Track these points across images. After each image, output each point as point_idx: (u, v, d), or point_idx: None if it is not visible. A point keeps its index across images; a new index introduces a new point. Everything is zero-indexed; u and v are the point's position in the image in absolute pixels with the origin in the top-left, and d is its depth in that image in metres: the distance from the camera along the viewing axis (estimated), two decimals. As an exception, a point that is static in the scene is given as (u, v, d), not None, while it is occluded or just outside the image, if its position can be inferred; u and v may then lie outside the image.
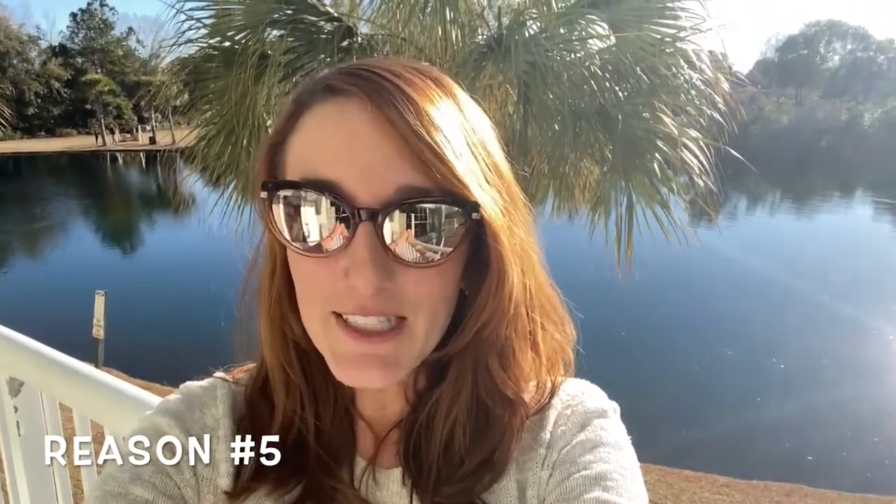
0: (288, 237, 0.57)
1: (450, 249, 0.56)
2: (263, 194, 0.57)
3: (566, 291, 0.70)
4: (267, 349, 0.68)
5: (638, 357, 9.80)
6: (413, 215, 0.54)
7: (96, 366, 7.38)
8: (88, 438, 1.51)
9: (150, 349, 9.71)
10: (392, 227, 0.54)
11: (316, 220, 0.55)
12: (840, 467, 7.09)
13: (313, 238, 0.56)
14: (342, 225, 0.54)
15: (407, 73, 0.57)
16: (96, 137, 57.72)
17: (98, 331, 8.08)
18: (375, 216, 0.53)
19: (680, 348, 10.28)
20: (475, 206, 0.55)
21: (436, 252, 0.56)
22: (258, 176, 0.62)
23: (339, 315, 0.58)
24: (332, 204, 0.54)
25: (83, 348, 7.08)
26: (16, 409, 1.65)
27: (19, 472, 1.70)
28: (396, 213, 0.53)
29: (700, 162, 4.08)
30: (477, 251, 0.60)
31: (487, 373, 0.64)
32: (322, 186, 0.54)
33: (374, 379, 0.58)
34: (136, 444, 0.67)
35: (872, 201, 27.88)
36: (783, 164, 35.73)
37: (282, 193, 0.56)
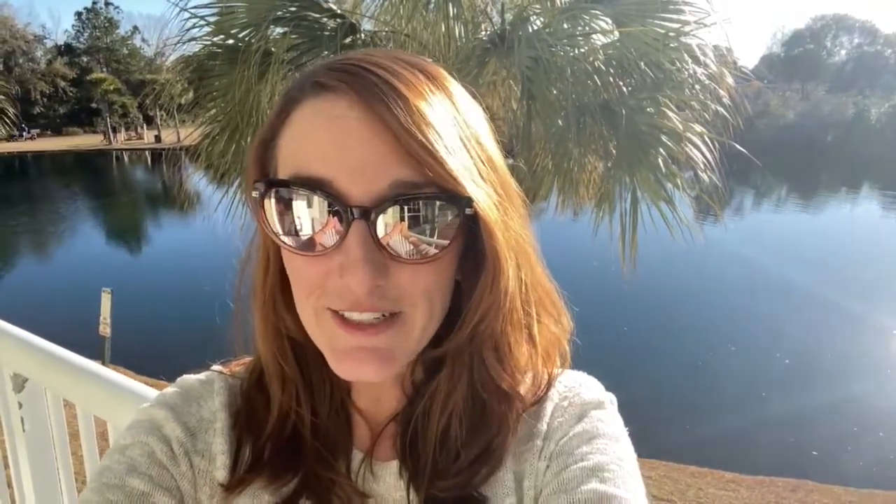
0: (281, 235, 0.57)
1: (444, 244, 0.56)
2: (255, 193, 0.57)
3: (569, 287, 0.70)
4: (261, 343, 0.68)
5: (642, 353, 9.79)
6: (406, 212, 0.53)
7: (103, 363, 7.42)
8: (92, 434, 1.52)
9: (157, 346, 9.75)
10: (385, 224, 0.54)
11: (309, 218, 0.55)
12: (845, 462, 7.07)
13: (306, 237, 0.56)
14: (335, 223, 0.54)
15: (397, 66, 0.56)
16: (104, 136, 57.81)
17: (104, 328, 8.11)
18: (368, 214, 0.53)
19: (685, 344, 10.26)
20: (469, 202, 0.54)
21: (430, 247, 0.55)
22: (250, 174, 0.62)
23: (333, 310, 0.58)
24: (324, 202, 0.54)
25: (90, 346, 7.11)
26: (20, 405, 1.65)
27: (24, 468, 1.71)
28: (390, 210, 0.53)
29: (705, 157, 4.06)
30: (472, 242, 0.59)
31: (483, 366, 0.64)
32: (314, 184, 0.54)
33: (369, 373, 0.58)
34: (133, 436, 0.67)
35: (880, 195, 27.74)
36: (789, 159, 35.61)
37: (274, 192, 0.56)
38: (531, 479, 0.64)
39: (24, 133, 56.55)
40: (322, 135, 0.55)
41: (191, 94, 5.17)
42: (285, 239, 0.57)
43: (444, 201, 0.54)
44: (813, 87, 58.63)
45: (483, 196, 0.56)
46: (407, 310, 0.57)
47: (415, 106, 0.53)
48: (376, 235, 0.54)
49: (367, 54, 0.58)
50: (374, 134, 0.53)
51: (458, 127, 0.57)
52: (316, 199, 0.54)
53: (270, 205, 0.57)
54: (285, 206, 0.56)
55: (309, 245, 0.56)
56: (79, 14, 72.59)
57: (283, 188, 0.56)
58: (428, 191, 0.54)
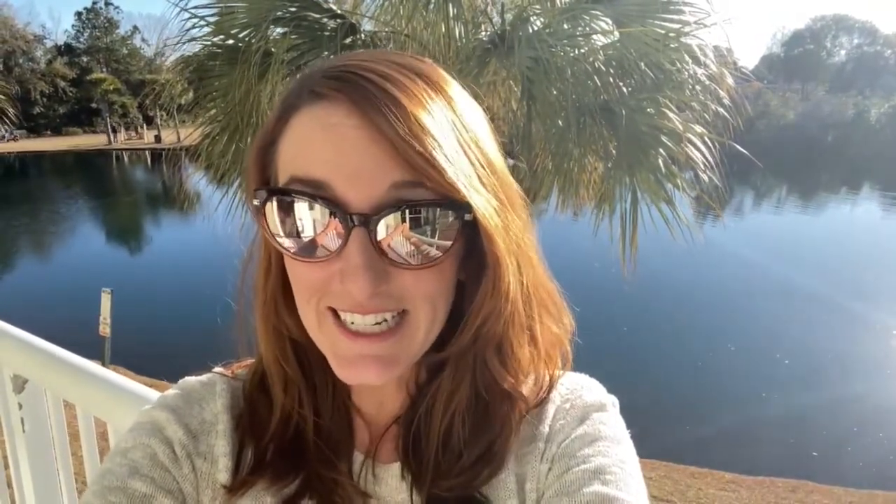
0: (282, 242, 0.57)
1: (445, 246, 0.56)
2: (256, 201, 0.58)
3: (570, 288, 0.70)
4: (263, 344, 0.68)
5: (642, 353, 9.79)
6: (406, 219, 0.54)
7: (103, 363, 7.42)
8: (92, 435, 1.52)
9: (157, 347, 9.75)
10: (385, 230, 0.54)
11: (309, 224, 0.55)
12: (845, 463, 7.07)
13: (307, 243, 0.56)
14: (335, 230, 0.54)
15: (394, 71, 0.56)
16: (108, 136, 57.58)
17: (104, 329, 8.11)
18: (368, 221, 0.53)
19: (684, 344, 10.25)
20: (468, 208, 0.54)
21: (430, 253, 0.56)
22: (250, 179, 0.62)
23: (335, 312, 0.58)
24: (324, 209, 0.54)
25: (90, 346, 7.11)
26: (20, 406, 1.65)
27: (24, 469, 1.70)
28: (390, 217, 0.53)
29: (705, 157, 4.06)
30: (474, 245, 0.59)
31: (485, 367, 0.64)
32: (312, 186, 0.54)
33: (371, 377, 0.58)
34: (135, 438, 0.67)
35: (880, 196, 27.76)
36: (789, 159, 35.65)
37: (274, 198, 0.56)
38: (533, 481, 0.64)
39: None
40: (320, 141, 0.55)
41: (191, 94, 5.17)
42: (286, 245, 0.57)
43: (444, 208, 0.54)
44: (813, 87, 58.76)
45: (482, 202, 0.55)
46: (410, 308, 0.58)
47: (412, 114, 0.53)
48: (376, 242, 0.54)
49: (364, 59, 0.58)
50: (372, 142, 0.53)
51: (456, 132, 0.56)
52: (317, 207, 0.54)
53: (272, 211, 0.57)
54: (286, 213, 0.56)
55: (310, 251, 0.56)
56: (79, 14, 72.64)
57: (283, 196, 0.56)
58: (428, 198, 0.54)
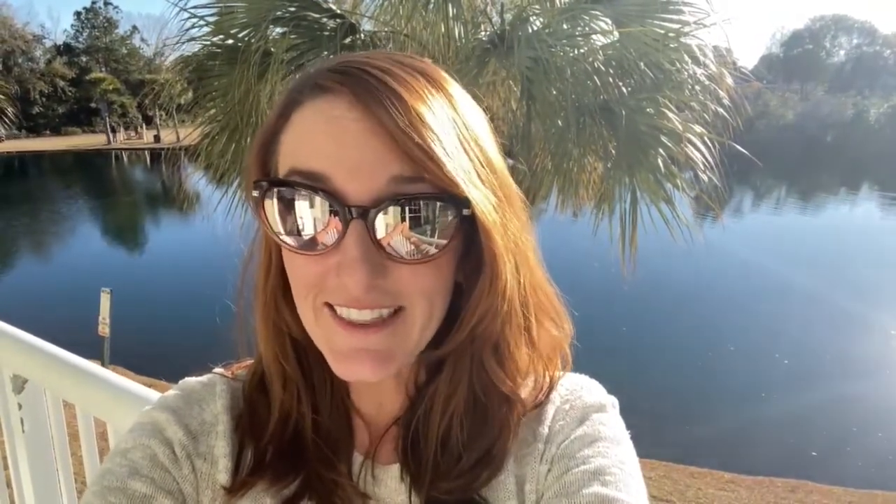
0: (280, 234, 0.57)
1: (442, 244, 0.56)
2: (255, 193, 0.58)
3: (569, 289, 0.70)
4: (263, 343, 0.68)
5: (641, 353, 9.79)
6: (404, 212, 0.54)
7: (102, 363, 7.41)
8: (92, 435, 1.52)
9: (156, 347, 9.75)
10: (383, 224, 0.54)
11: (307, 217, 0.55)
12: (845, 463, 7.07)
13: (305, 236, 0.56)
14: (333, 222, 0.54)
15: (396, 68, 0.57)
16: (107, 136, 57.49)
17: (104, 329, 8.10)
18: (366, 213, 0.53)
19: (684, 344, 10.25)
20: (466, 203, 0.54)
21: (427, 248, 0.56)
22: (251, 173, 0.62)
23: (331, 307, 0.58)
24: (324, 202, 0.54)
25: (89, 346, 7.10)
26: (20, 406, 1.65)
27: (23, 469, 1.70)
28: (388, 210, 0.53)
29: (705, 158, 4.06)
30: (472, 244, 0.59)
31: (483, 369, 0.64)
32: (311, 178, 0.54)
33: (366, 373, 0.58)
34: (135, 438, 0.67)
35: (879, 196, 27.77)
36: (789, 159, 35.65)
37: (273, 190, 0.56)
38: (532, 482, 0.64)
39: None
40: (321, 134, 0.55)
41: (190, 94, 5.17)
42: (284, 238, 0.57)
43: (442, 202, 0.54)
44: (812, 87, 58.89)
45: (481, 198, 0.56)
46: (406, 305, 0.57)
47: (413, 108, 0.53)
48: (374, 235, 0.54)
49: (367, 56, 0.58)
50: (373, 135, 0.53)
51: (456, 129, 0.57)
52: (316, 198, 0.54)
53: (271, 203, 0.57)
54: (284, 206, 0.56)
55: (307, 244, 0.56)
56: (78, 14, 72.71)
57: (282, 188, 0.56)
58: (426, 193, 0.54)
